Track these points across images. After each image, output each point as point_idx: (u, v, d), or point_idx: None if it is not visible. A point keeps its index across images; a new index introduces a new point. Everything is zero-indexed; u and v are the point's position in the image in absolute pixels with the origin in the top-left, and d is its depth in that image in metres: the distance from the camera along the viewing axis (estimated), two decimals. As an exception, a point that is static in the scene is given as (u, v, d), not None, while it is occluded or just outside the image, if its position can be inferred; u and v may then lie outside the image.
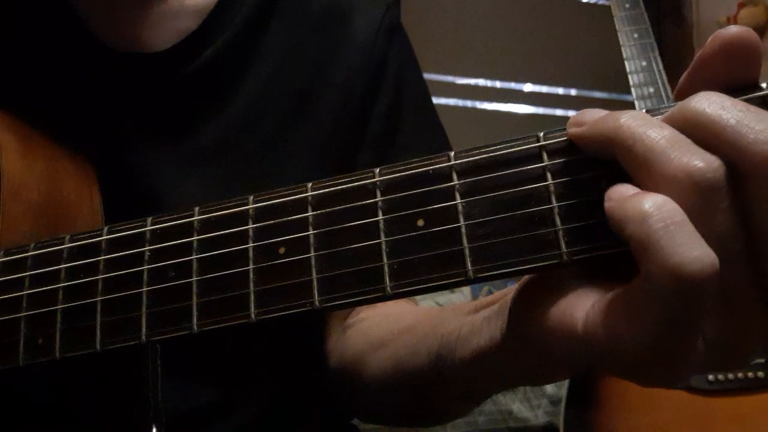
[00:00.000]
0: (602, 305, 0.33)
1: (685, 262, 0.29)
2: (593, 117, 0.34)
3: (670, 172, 0.31)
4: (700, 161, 0.30)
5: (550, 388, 1.44)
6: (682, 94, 0.34)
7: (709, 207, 0.30)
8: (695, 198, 0.30)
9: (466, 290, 2.00)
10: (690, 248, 0.29)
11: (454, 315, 0.50)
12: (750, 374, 1.12)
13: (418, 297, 0.77)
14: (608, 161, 0.33)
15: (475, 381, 0.48)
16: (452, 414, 0.61)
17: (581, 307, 0.34)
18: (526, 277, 0.39)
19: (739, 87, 0.33)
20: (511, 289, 0.43)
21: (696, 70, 0.34)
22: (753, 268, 0.31)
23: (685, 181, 0.30)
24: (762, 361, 1.12)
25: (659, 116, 0.33)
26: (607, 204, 0.32)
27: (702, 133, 0.31)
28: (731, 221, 0.30)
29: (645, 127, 0.32)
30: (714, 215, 0.30)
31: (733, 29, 0.33)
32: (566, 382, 1.19)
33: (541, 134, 0.35)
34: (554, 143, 0.35)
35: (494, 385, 0.49)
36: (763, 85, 0.32)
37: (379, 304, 0.66)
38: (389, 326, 0.61)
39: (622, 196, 0.32)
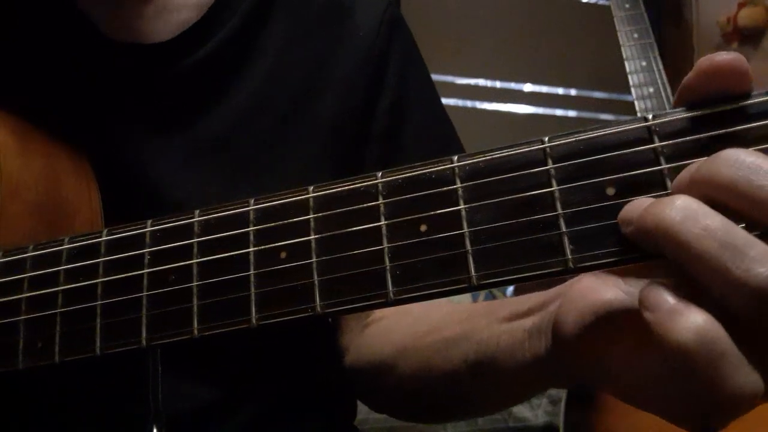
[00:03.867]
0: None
1: (734, 396, 0.29)
2: (637, 212, 0.31)
3: (732, 283, 0.28)
4: (764, 268, 0.27)
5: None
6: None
7: None
8: (758, 306, 0.28)
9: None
10: (738, 383, 0.29)
11: (487, 321, 0.48)
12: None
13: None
14: (617, 168, 0.33)
15: (516, 388, 0.47)
16: (487, 410, 0.60)
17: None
18: (571, 299, 0.38)
19: (736, 96, 0.32)
20: (549, 298, 0.43)
21: (683, 95, 0.33)
22: None
23: (748, 293, 0.28)
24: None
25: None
26: (644, 314, 0.30)
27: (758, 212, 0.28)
28: None
29: (690, 224, 0.29)
30: None
31: (717, 58, 0.31)
32: (566, 383, 1.19)
33: (546, 138, 0.34)
34: (559, 148, 0.34)
35: (534, 390, 0.49)
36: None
37: None
38: (412, 329, 0.60)
39: (658, 305, 0.30)
